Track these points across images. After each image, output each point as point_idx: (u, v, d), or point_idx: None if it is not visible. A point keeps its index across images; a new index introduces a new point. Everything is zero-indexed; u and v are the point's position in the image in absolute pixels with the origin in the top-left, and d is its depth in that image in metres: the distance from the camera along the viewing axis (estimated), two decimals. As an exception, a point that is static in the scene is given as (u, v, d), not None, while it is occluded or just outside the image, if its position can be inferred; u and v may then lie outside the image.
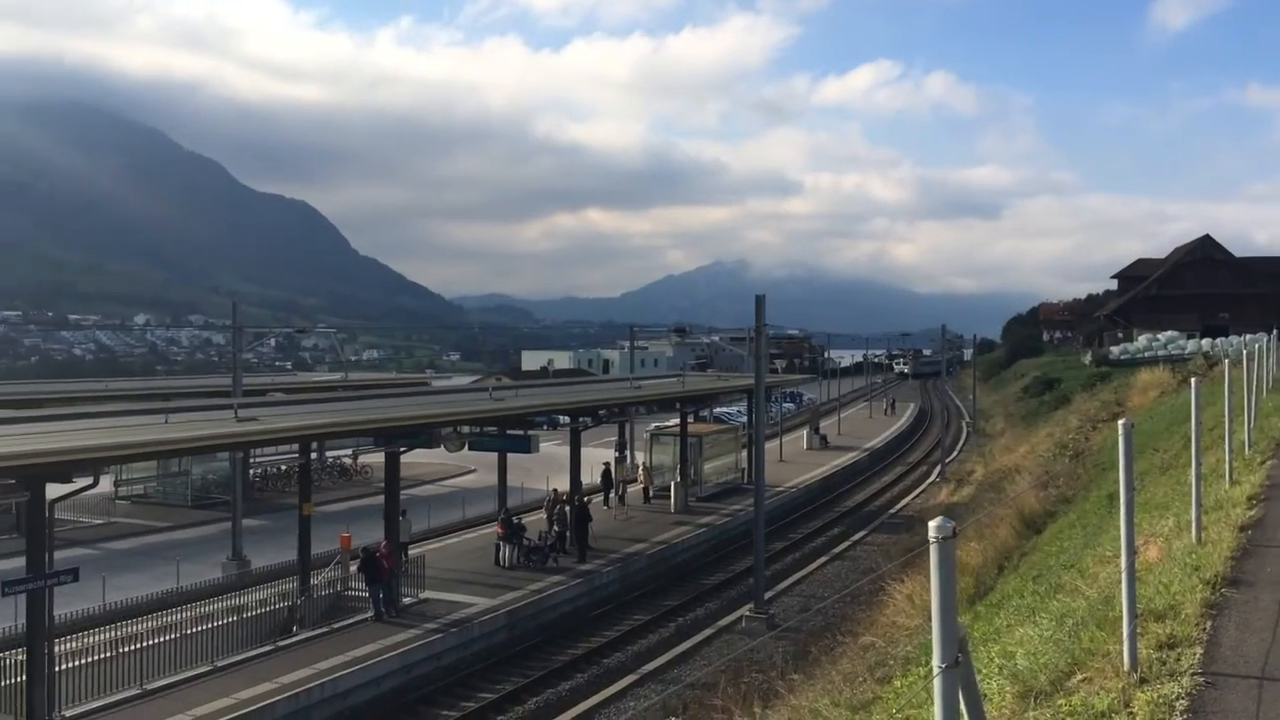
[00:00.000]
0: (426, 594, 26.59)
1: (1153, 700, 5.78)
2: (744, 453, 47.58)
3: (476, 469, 50.91)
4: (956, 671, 3.60)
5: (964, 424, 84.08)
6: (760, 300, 29.45)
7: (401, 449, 27.11)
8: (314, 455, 42.87)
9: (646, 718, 20.03)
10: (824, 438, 65.96)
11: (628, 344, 75.51)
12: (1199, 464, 9.70)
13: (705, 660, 23.45)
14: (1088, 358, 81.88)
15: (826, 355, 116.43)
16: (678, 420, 44.68)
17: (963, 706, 3.78)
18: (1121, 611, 6.42)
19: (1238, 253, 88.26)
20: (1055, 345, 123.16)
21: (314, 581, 25.77)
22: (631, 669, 23.88)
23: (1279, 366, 25.30)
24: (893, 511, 45.16)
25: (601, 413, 38.56)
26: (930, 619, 3.67)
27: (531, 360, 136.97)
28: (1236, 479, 12.76)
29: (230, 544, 31.94)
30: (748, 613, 27.46)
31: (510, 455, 34.28)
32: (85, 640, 20.07)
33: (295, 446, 28.39)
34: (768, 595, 28.57)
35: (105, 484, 36.26)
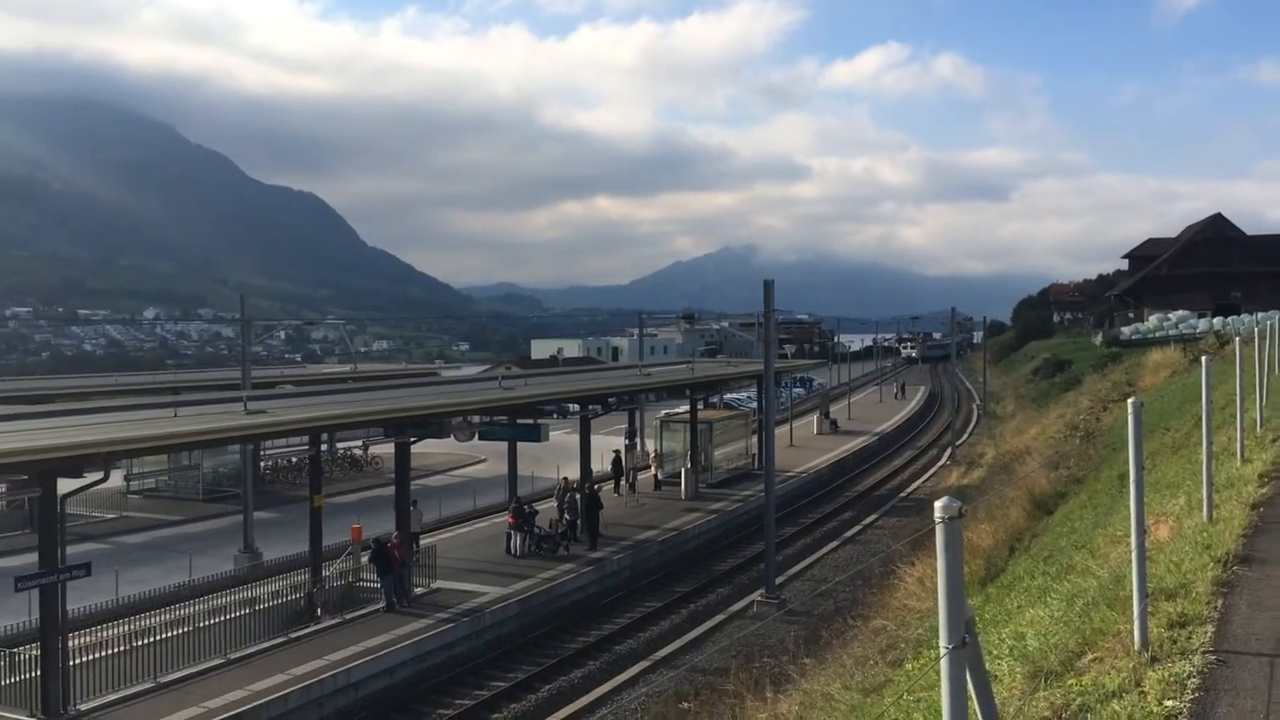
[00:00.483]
0: (438, 584, 26.63)
1: (1164, 679, 5.74)
2: (754, 438, 47.58)
3: (487, 458, 50.98)
4: (964, 652, 3.57)
5: (974, 407, 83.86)
6: (769, 286, 29.37)
7: (412, 439, 27.12)
8: (324, 447, 42.92)
9: (659, 703, 20.05)
10: (834, 422, 65.87)
11: (637, 331, 75.38)
12: (1210, 442, 9.65)
13: (717, 645, 23.45)
14: (1099, 338, 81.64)
15: (836, 340, 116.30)
16: (688, 407, 44.65)
17: (971, 687, 3.75)
18: (1132, 591, 6.38)
19: (1249, 231, 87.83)
20: (1066, 326, 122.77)
21: (326, 573, 25.83)
22: (643, 655, 23.91)
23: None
24: (903, 495, 45.10)
25: (611, 400, 38.56)
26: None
27: (541, 349, 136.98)
28: (1248, 457, 12.70)
29: (242, 537, 32.04)
30: (759, 598, 27.48)
31: (520, 444, 34.30)
32: (99, 634, 20.14)
33: (305, 439, 28.41)
34: (779, 580, 28.57)
35: (116, 478, 36.39)
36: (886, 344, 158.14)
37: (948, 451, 55.50)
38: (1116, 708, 5.43)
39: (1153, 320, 76.79)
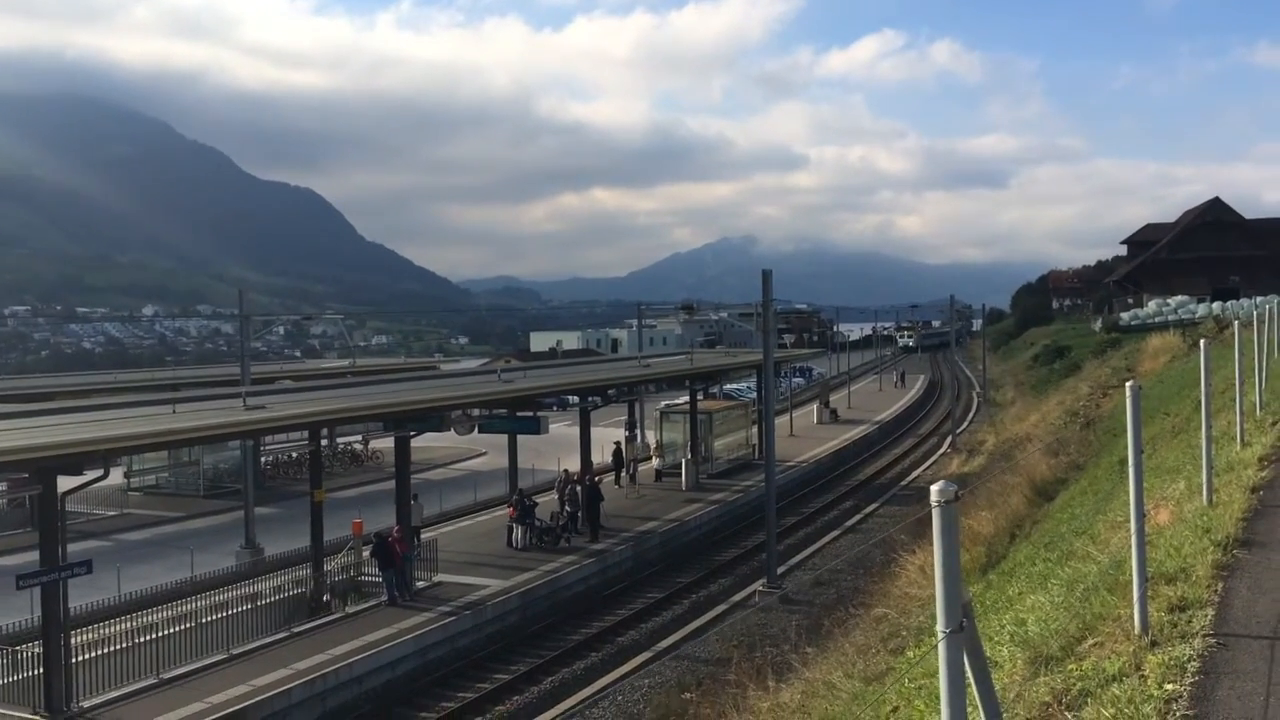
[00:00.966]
0: (440, 577, 26.66)
1: (1164, 663, 5.73)
2: (754, 428, 47.56)
3: (487, 452, 50.99)
4: (961, 637, 3.56)
5: (974, 394, 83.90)
6: (767, 276, 29.34)
7: (411, 433, 27.12)
8: (324, 442, 42.89)
9: (661, 694, 20.07)
10: (834, 411, 65.89)
11: (636, 323, 75.39)
12: (1209, 426, 9.64)
13: (719, 636, 23.46)
14: (1098, 324, 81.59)
15: (835, 329, 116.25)
16: (687, 398, 44.64)
17: (969, 672, 3.74)
18: (1132, 575, 6.37)
19: (1247, 214, 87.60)
20: (1065, 313, 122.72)
21: (328, 567, 25.85)
22: (645, 646, 23.94)
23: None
24: (904, 484, 45.12)
25: (611, 392, 38.55)
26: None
27: (540, 341, 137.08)
28: (1248, 441, 12.69)
29: (243, 532, 32.05)
30: (761, 588, 27.50)
31: (520, 437, 34.30)
32: (102, 631, 20.15)
33: (305, 434, 28.41)
34: (780, 570, 28.59)
35: (116, 476, 36.45)
36: (885, 332, 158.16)
37: (948, 439, 55.51)
38: (1117, 692, 5.43)
39: (1152, 305, 76.77)
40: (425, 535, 29.28)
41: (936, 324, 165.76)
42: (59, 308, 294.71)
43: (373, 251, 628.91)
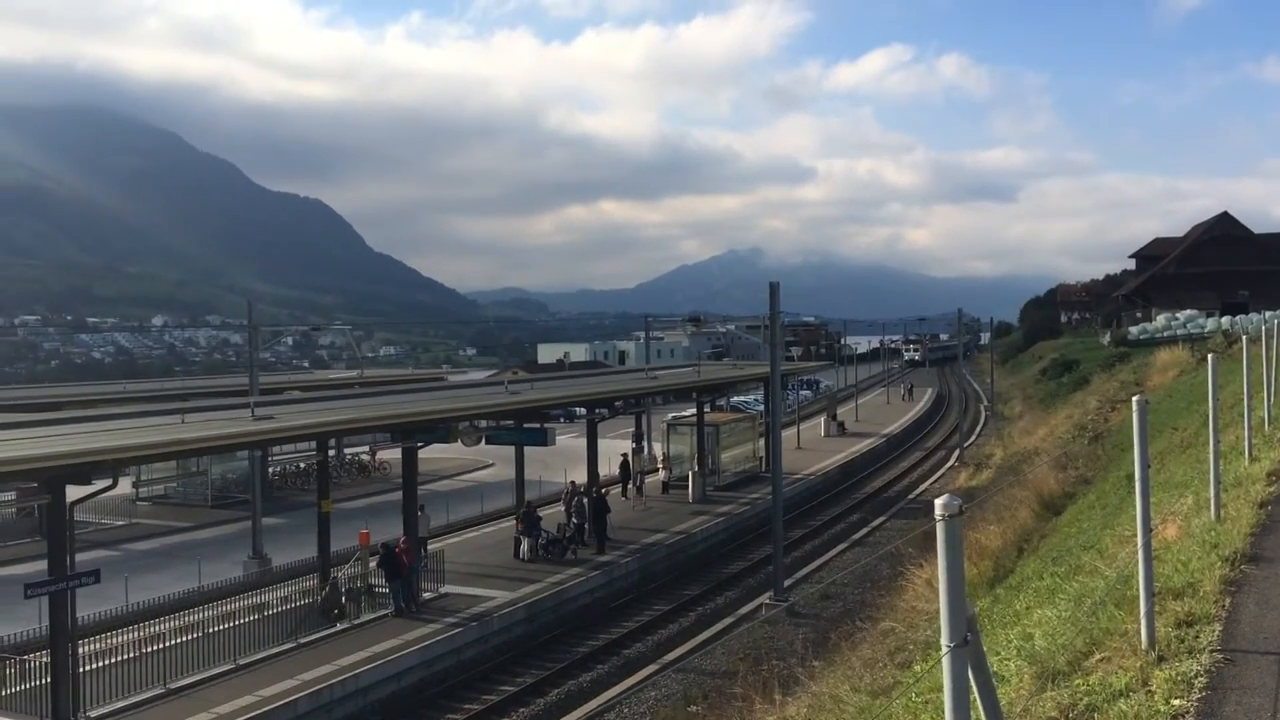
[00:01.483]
0: (446, 588, 26.66)
1: (1171, 678, 5.73)
2: (761, 441, 47.49)
3: (494, 463, 51.00)
4: (965, 651, 3.57)
5: (982, 408, 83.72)
6: (774, 288, 29.33)
7: (419, 444, 27.14)
8: (332, 452, 43.01)
9: (667, 706, 20.04)
10: (841, 424, 65.78)
11: (643, 335, 75.39)
12: (1217, 441, 9.61)
13: (725, 649, 23.43)
14: (1106, 338, 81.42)
15: (843, 342, 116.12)
16: (694, 410, 44.61)
17: (974, 686, 3.74)
18: (1139, 590, 6.37)
19: (1256, 229, 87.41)
20: (1074, 327, 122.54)
21: (343, 574, 25.87)
22: (652, 659, 23.91)
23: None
24: (912, 497, 45.01)
25: (618, 404, 38.53)
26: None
27: (547, 353, 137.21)
28: (1256, 455, 12.66)
29: (250, 542, 32.08)
30: (767, 600, 27.44)
31: (528, 448, 34.27)
32: (109, 641, 20.20)
33: (313, 444, 28.46)
34: (787, 583, 28.54)
35: (125, 485, 36.56)
36: (893, 345, 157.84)
37: (956, 453, 55.40)
38: (1123, 707, 5.43)
39: (1160, 320, 76.53)
40: (432, 546, 29.25)
41: (944, 337, 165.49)
42: (69, 318, 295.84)
43: (381, 262, 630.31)
